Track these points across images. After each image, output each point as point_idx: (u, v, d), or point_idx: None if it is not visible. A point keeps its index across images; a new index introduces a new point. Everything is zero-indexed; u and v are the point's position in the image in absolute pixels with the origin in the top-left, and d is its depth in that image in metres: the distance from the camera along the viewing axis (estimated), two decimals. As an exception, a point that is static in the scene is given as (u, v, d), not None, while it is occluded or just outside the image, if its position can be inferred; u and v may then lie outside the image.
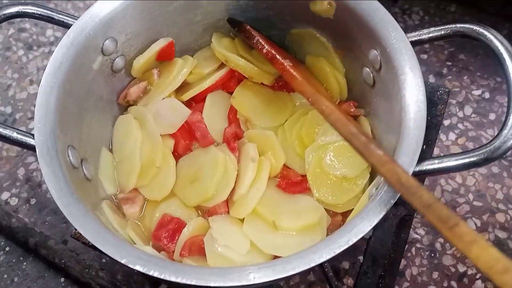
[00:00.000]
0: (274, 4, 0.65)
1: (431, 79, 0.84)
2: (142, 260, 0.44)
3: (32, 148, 0.52)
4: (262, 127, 0.65)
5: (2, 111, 0.84)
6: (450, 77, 0.84)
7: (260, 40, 0.61)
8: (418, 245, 0.70)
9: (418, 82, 0.51)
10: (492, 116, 0.80)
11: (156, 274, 0.43)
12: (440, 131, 0.78)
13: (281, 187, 0.61)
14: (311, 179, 0.60)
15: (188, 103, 0.67)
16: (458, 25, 0.52)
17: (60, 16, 0.58)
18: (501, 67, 0.49)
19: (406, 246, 0.67)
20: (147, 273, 0.43)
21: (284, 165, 0.62)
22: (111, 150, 0.65)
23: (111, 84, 0.64)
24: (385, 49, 0.54)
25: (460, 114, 0.80)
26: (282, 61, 0.59)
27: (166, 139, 0.64)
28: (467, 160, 0.47)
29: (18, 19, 0.93)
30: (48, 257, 0.68)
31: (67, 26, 0.58)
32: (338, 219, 0.58)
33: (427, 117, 0.70)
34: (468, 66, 0.85)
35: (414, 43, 0.54)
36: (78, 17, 0.58)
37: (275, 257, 0.55)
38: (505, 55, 0.49)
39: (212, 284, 0.43)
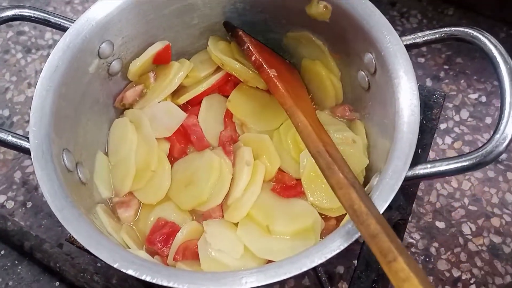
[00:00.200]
0: (270, 7, 0.65)
1: (428, 82, 0.84)
2: (135, 265, 0.44)
3: (27, 151, 0.52)
4: (257, 130, 0.65)
5: (0, 114, 0.85)
6: (447, 80, 0.84)
7: (250, 47, 0.61)
8: (413, 250, 0.70)
9: (412, 86, 0.51)
10: (488, 120, 0.80)
11: (148, 279, 0.43)
12: (436, 135, 0.78)
13: (276, 191, 0.61)
14: (305, 183, 0.60)
15: (184, 107, 0.67)
16: (453, 29, 0.52)
17: (57, 19, 0.59)
18: (495, 70, 0.49)
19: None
20: (140, 277, 0.43)
21: (279, 169, 0.63)
22: (106, 154, 0.65)
23: (107, 87, 0.64)
24: (380, 53, 0.54)
25: (457, 118, 0.80)
26: (268, 70, 0.59)
27: (161, 143, 0.64)
28: (459, 165, 0.46)
29: (17, 22, 0.94)
30: (43, 260, 0.68)
31: (63, 29, 0.58)
32: (332, 223, 0.58)
33: (422, 121, 0.71)
34: (465, 69, 0.85)
35: (409, 47, 0.54)
36: (75, 20, 0.58)
37: (269, 261, 0.55)
38: (499, 58, 0.48)
39: (204, 289, 0.43)
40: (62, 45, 0.56)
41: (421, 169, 0.48)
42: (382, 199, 0.46)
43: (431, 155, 0.76)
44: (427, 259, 0.69)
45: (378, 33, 0.55)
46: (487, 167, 0.75)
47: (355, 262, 0.66)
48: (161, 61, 0.67)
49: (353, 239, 0.44)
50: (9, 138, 0.52)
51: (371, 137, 0.62)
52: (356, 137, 0.62)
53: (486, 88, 0.83)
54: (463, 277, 0.68)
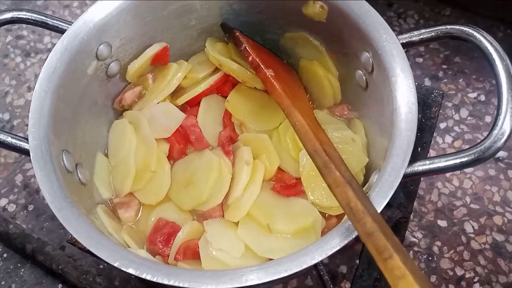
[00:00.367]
0: (267, 8, 0.66)
1: (427, 82, 0.84)
2: (135, 263, 0.44)
3: (26, 152, 0.52)
4: (256, 130, 0.65)
5: (0, 118, 0.85)
6: (445, 80, 0.84)
7: (247, 48, 0.62)
8: (415, 249, 0.70)
9: (409, 84, 0.51)
10: (488, 119, 0.80)
11: (149, 277, 0.43)
12: (436, 134, 0.78)
13: (276, 190, 0.61)
14: (305, 182, 0.60)
15: (182, 107, 0.68)
16: (449, 27, 0.52)
17: (55, 21, 0.59)
18: (491, 67, 0.49)
19: (403, 249, 0.67)
20: (140, 276, 0.43)
21: (279, 168, 0.63)
22: (106, 155, 0.65)
23: (105, 89, 0.64)
24: (377, 51, 0.54)
25: (456, 117, 0.80)
26: (265, 70, 0.59)
27: (161, 143, 0.64)
28: (458, 161, 0.46)
29: (16, 26, 0.94)
30: (46, 263, 0.68)
31: (61, 31, 0.58)
32: (332, 221, 0.58)
33: (421, 120, 0.71)
34: (464, 69, 0.85)
35: (405, 45, 0.54)
36: (73, 23, 0.58)
37: (270, 260, 0.54)
38: (495, 55, 0.49)
39: (205, 287, 0.42)
40: (60, 47, 0.56)
41: (420, 166, 0.48)
42: (381, 196, 0.46)
43: (432, 154, 0.76)
44: (430, 258, 0.69)
45: (374, 32, 0.55)
46: (488, 165, 0.75)
47: (358, 261, 0.66)
48: (159, 62, 0.67)
49: (353, 236, 0.44)
50: (9, 139, 0.52)
51: (370, 135, 0.62)
52: (355, 136, 0.62)
53: (485, 87, 0.83)
54: (467, 276, 0.68)
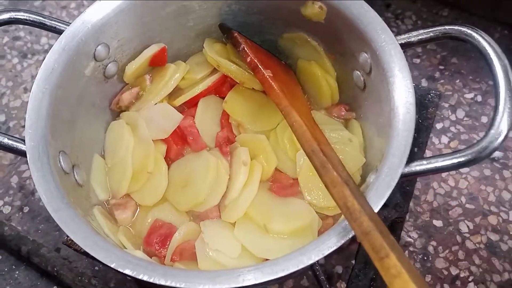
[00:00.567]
0: (265, 8, 0.66)
1: (424, 83, 0.84)
2: (132, 264, 0.44)
3: (23, 153, 0.52)
4: (254, 131, 0.65)
5: (-4, 119, 0.85)
6: (442, 80, 0.84)
7: (245, 49, 0.62)
8: (411, 249, 0.70)
9: (407, 84, 0.51)
10: (484, 119, 0.80)
11: (145, 278, 0.43)
12: (432, 135, 0.78)
13: (273, 190, 0.61)
14: (302, 182, 0.60)
15: (180, 108, 0.67)
16: (447, 27, 0.53)
17: (52, 22, 0.58)
18: (489, 67, 0.49)
19: (399, 249, 0.67)
20: (137, 276, 0.43)
21: (276, 168, 0.63)
22: (103, 156, 0.65)
23: (103, 90, 0.64)
24: (375, 52, 0.54)
25: (453, 118, 0.81)
26: (263, 71, 0.59)
27: (158, 144, 0.64)
28: (455, 161, 0.47)
29: (13, 27, 0.94)
30: (41, 265, 0.68)
31: (59, 32, 0.58)
32: (329, 222, 0.58)
33: (418, 120, 0.71)
34: (460, 69, 0.85)
35: (403, 46, 0.54)
36: (70, 23, 0.58)
37: (267, 260, 0.54)
38: (493, 55, 0.49)
39: (201, 287, 0.42)
40: (57, 47, 0.56)
41: (417, 166, 0.48)
42: (379, 196, 0.46)
43: (428, 154, 0.76)
44: (425, 258, 0.69)
45: (372, 33, 0.55)
46: (483, 165, 0.76)
47: (353, 262, 0.66)
48: (157, 63, 0.67)
49: (350, 236, 0.44)
50: (5, 140, 0.52)
51: (367, 136, 0.62)
52: (352, 136, 0.62)
53: (481, 87, 0.83)
54: (461, 275, 0.68)
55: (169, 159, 0.65)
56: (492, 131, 0.46)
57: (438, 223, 0.72)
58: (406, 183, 0.68)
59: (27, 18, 0.58)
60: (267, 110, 0.66)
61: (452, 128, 0.80)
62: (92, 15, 0.58)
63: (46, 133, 0.52)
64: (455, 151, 0.47)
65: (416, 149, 0.69)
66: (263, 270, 0.43)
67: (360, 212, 0.43)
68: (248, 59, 0.61)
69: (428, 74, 0.85)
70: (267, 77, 0.59)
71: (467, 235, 0.71)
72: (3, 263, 0.71)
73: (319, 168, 0.49)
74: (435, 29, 0.53)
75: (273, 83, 0.58)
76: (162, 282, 0.43)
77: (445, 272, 0.68)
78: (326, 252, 0.43)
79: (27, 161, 0.51)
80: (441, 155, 0.47)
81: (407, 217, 0.70)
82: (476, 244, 0.70)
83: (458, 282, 0.67)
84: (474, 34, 0.51)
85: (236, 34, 0.64)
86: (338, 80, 0.66)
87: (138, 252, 0.54)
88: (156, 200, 0.61)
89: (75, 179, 0.56)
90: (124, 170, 0.62)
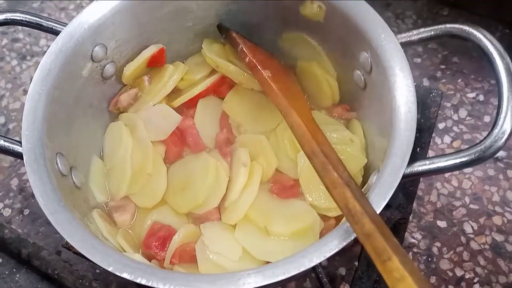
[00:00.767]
0: (264, 8, 0.65)
1: (425, 82, 0.84)
2: (130, 268, 0.43)
3: (19, 156, 0.51)
4: (254, 132, 0.65)
5: (-5, 121, 0.84)
6: (444, 80, 0.84)
7: (244, 49, 0.61)
8: (415, 250, 0.69)
9: (408, 83, 0.51)
10: (487, 119, 0.79)
11: (143, 282, 0.43)
12: (435, 134, 0.78)
13: (274, 191, 0.60)
14: (303, 184, 0.59)
15: (179, 109, 0.67)
16: (448, 26, 0.52)
17: (49, 23, 0.58)
18: (491, 66, 0.48)
19: (403, 250, 0.66)
20: (135, 280, 0.43)
21: (277, 169, 0.62)
22: (101, 158, 0.64)
23: (101, 91, 0.64)
24: (375, 51, 0.54)
25: (455, 117, 0.80)
26: (262, 71, 0.59)
27: (157, 146, 0.64)
28: (458, 161, 0.46)
29: (12, 29, 0.94)
30: (41, 268, 0.67)
31: (56, 33, 0.57)
32: (331, 223, 0.58)
33: (420, 120, 0.70)
34: (462, 69, 0.85)
35: (404, 44, 0.54)
36: (67, 24, 0.57)
37: (268, 263, 0.54)
38: (495, 54, 0.48)
39: (201, 291, 0.42)
40: (54, 48, 0.56)
41: (420, 166, 0.47)
42: (381, 197, 0.46)
43: (430, 154, 0.75)
44: (430, 259, 0.68)
45: (372, 32, 0.55)
46: (487, 165, 0.75)
47: (357, 263, 0.65)
48: (155, 64, 0.66)
49: (352, 238, 0.43)
50: (1, 142, 0.52)
51: (368, 136, 0.61)
52: (354, 137, 0.61)
53: (483, 86, 0.83)
54: (467, 276, 0.67)
55: (168, 161, 0.64)
56: (496, 130, 0.46)
57: (442, 223, 0.71)
58: (409, 184, 0.68)
59: (24, 19, 0.57)
60: (267, 111, 0.66)
61: (455, 128, 0.79)
62: (88, 16, 0.58)
63: (42, 134, 0.52)
64: (458, 151, 0.46)
65: (418, 149, 0.68)
66: (264, 273, 0.42)
67: (362, 213, 0.42)
68: (247, 60, 0.61)
69: (430, 73, 0.85)
70: (266, 77, 0.59)
71: (472, 235, 0.70)
72: (3, 266, 0.71)
73: (319, 170, 0.49)
74: (436, 27, 0.53)
75: (272, 84, 0.58)
76: (161, 286, 0.42)
77: (450, 274, 0.67)
78: (328, 255, 0.42)
79: (24, 163, 0.50)
80: (444, 155, 0.47)
81: (410, 218, 0.70)
82: (481, 245, 0.69)
83: (463, 284, 0.67)
84: (475, 32, 0.50)
85: (234, 35, 0.64)
86: (339, 80, 0.65)
87: (137, 255, 0.53)
88: (155, 202, 0.61)
89: (73, 181, 0.56)
90: (123, 172, 0.61)
